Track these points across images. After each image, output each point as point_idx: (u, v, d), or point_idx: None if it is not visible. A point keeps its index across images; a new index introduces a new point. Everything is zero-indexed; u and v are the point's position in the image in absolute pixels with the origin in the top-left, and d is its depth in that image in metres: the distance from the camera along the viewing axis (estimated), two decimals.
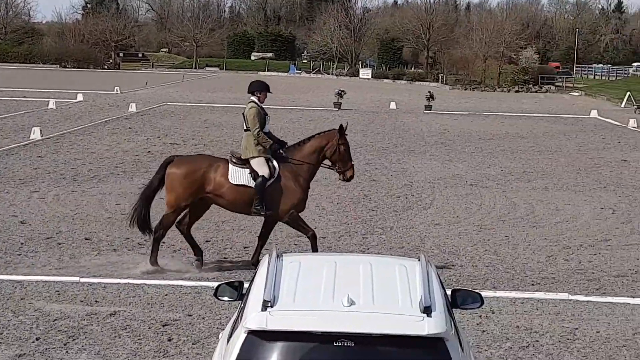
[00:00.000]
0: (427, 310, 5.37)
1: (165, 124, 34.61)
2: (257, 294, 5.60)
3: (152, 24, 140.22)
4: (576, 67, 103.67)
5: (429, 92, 48.44)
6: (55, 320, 10.07)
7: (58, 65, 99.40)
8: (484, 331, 10.07)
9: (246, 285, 6.47)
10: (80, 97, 46.64)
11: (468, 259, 13.75)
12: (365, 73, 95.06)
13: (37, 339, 9.41)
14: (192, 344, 9.42)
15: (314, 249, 12.33)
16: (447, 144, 30.54)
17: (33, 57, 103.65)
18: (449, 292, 6.48)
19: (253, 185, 12.26)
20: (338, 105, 45.99)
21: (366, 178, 21.49)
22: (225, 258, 13.43)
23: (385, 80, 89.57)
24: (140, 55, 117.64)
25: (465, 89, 77.54)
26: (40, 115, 36.84)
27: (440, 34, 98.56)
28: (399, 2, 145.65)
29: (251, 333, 5.30)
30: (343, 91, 47.09)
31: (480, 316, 10.48)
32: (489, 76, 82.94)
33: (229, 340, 5.67)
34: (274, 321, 5.28)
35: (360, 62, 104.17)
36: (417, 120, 40.61)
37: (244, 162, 12.40)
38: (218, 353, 5.92)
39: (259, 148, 12.41)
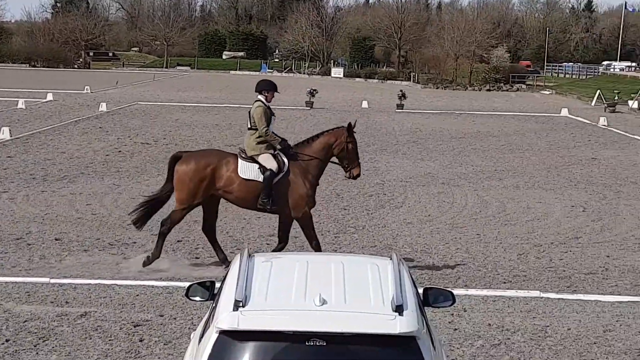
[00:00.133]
0: (399, 309, 5.35)
1: (136, 124, 34.42)
2: (228, 293, 5.56)
3: (123, 23, 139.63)
4: (547, 65, 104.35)
5: (401, 91, 48.55)
6: (25, 321, 9.98)
7: (27, 65, 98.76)
8: (455, 329, 10.09)
9: (218, 285, 6.44)
10: (50, 97, 46.31)
11: (440, 257, 13.79)
12: (337, 72, 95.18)
13: (6, 341, 9.32)
14: (164, 344, 9.37)
15: None
16: (419, 142, 30.61)
17: (2, 57, 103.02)
18: (420, 290, 6.49)
19: (262, 180, 12.25)
20: (310, 104, 45.96)
21: (338, 177, 21.46)
22: (197, 258, 13.37)
23: (357, 79, 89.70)
24: (110, 54, 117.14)
25: (437, 88, 77.87)
26: (9, 115, 36.51)
27: (412, 33, 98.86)
28: (370, 1, 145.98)
29: (223, 333, 5.26)
30: (315, 90, 47.08)
31: (452, 314, 10.51)
32: (461, 75, 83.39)
33: (200, 340, 5.64)
34: (246, 321, 5.25)
35: (332, 61, 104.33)
36: (389, 119, 40.68)
37: (251, 158, 12.39)
38: (189, 353, 5.88)
39: (260, 146, 12.40)
